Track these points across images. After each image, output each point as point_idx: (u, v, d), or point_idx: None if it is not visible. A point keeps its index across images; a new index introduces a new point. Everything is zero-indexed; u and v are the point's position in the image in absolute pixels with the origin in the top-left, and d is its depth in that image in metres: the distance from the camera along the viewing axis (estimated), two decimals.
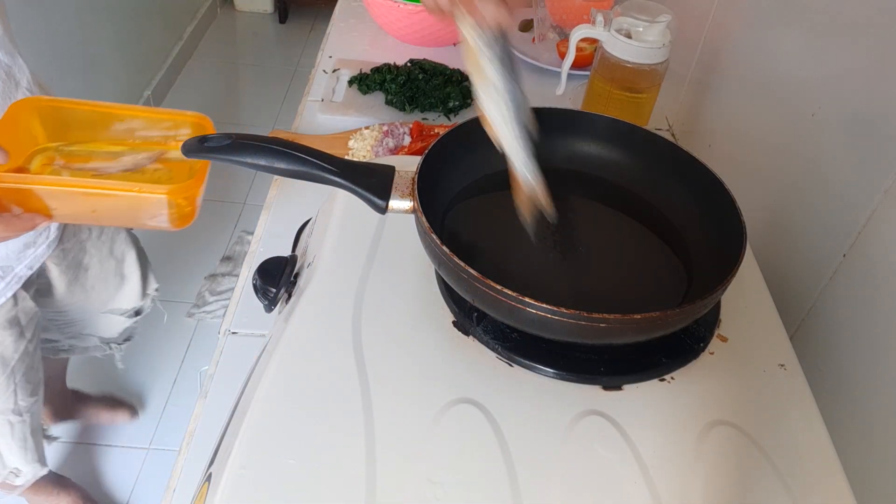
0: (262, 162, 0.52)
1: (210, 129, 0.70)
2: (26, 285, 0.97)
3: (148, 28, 2.39)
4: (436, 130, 1.01)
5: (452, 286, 0.52)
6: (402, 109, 1.08)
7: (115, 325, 1.25)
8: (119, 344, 1.31)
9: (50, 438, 1.34)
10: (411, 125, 1.00)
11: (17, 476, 1.12)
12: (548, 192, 0.46)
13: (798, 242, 0.73)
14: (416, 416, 0.47)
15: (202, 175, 0.65)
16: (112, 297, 1.20)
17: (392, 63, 1.16)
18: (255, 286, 0.60)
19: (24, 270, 0.95)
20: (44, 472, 1.15)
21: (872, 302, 0.61)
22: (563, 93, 1.06)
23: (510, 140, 0.46)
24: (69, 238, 1.03)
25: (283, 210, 0.91)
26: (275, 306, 0.60)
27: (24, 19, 1.70)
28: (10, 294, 0.94)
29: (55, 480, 1.38)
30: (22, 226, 0.65)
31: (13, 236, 0.65)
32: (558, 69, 1.05)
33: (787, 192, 0.76)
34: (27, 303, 0.99)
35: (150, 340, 1.77)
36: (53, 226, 0.96)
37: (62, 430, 1.58)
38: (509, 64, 0.45)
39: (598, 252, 0.57)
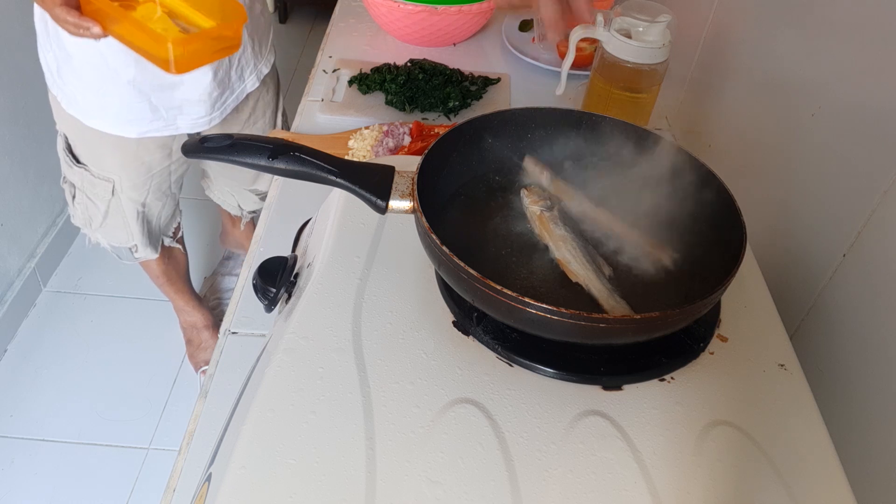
0: (262, 162, 0.52)
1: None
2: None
3: None
4: (436, 130, 1.00)
5: (452, 286, 0.52)
6: (402, 109, 1.08)
7: (250, 202, 1.57)
8: (250, 212, 1.61)
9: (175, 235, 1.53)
10: (411, 125, 1.00)
11: (135, 252, 1.40)
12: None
13: (798, 242, 0.73)
14: (416, 416, 0.47)
15: (204, 36, 0.90)
16: (255, 180, 1.46)
17: (392, 63, 1.16)
18: (255, 286, 0.60)
19: (185, 126, 1.16)
20: (153, 256, 1.43)
21: (872, 302, 0.61)
22: (563, 93, 1.06)
23: (584, 273, 0.54)
24: (232, 118, 1.24)
25: (283, 210, 0.91)
26: (275, 306, 0.60)
27: None
28: (167, 133, 1.17)
29: (196, 297, 1.68)
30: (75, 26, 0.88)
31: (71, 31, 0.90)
32: (558, 69, 1.05)
33: (786, 193, 0.76)
34: (183, 138, 1.20)
35: (150, 340, 1.77)
36: (217, 105, 1.17)
37: (61, 431, 1.58)
38: (568, 220, 0.58)
39: (597, 252, 0.57)
